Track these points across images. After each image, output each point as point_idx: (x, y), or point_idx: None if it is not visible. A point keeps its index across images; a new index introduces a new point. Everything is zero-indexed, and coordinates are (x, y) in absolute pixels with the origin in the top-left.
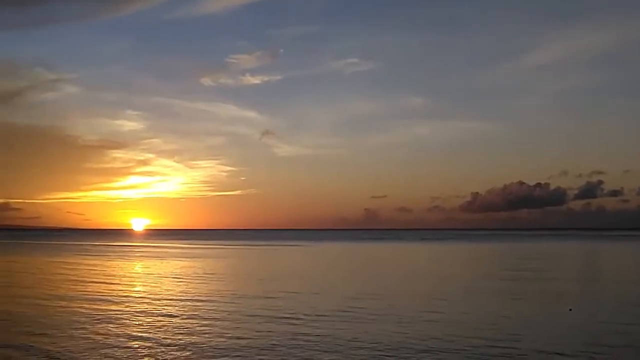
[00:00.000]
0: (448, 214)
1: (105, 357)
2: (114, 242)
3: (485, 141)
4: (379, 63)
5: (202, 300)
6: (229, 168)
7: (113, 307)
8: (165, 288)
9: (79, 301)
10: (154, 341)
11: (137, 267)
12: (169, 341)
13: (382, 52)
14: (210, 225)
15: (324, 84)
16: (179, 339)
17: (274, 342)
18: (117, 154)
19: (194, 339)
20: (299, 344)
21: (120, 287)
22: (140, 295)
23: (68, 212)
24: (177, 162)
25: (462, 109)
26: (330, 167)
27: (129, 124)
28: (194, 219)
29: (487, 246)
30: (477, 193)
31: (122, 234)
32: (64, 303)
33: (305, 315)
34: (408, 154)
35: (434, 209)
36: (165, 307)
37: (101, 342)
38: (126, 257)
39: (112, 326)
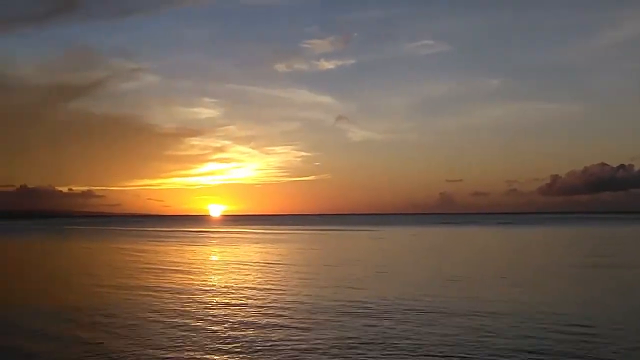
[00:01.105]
0: (526, 197)
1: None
2: (192, 228)
3: (564, 122)
4: (453, 44)
5: (276, 290)
6: (303, 153)
7: (185, 298)
8: (239, 276)
9: (153, 292)
10: (229, 340)
11: (213, 253)
12: (241, 339)
13: (456, 33)
14: (285, 210)
15: (398, 67)
16: (252, 336)
17: (351, 336)
18: (194, 141)
19: (265, 333)
20: (375, 340)
21: (195, 276)
22: (213, 285)
23: (148, 199)
24: (253, 148)
25: (540, 89)
26: (404, 151)
27: (205, 112)
28: (270, 205)
29: (567, 230)
30: (557, 175)
31: (200, 220)
32: (139, 293)
33: (379, 307)
34: (484, 136)
35: (511, 192)
36: (238, 298)
37: (173, 336)
38: (203, 244)
39: (182, 320)
